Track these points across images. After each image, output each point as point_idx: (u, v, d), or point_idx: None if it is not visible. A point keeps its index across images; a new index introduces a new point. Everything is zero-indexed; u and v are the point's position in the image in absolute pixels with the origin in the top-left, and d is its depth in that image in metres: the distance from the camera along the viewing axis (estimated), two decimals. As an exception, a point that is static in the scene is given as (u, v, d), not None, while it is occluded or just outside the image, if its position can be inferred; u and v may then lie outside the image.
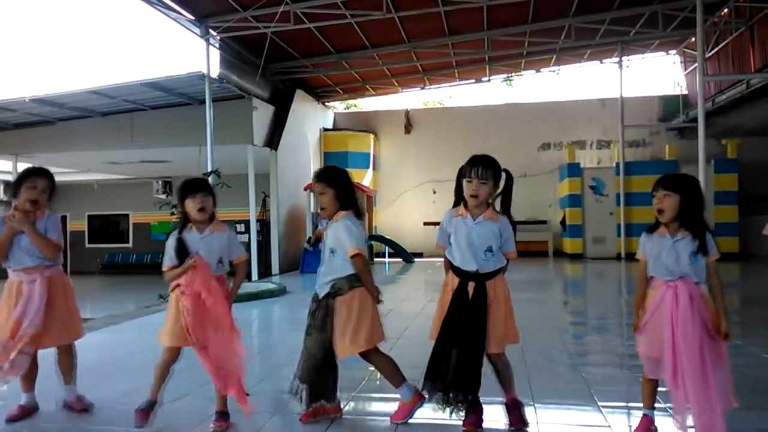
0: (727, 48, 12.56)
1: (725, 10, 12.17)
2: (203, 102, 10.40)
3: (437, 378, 2.92)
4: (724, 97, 11.83)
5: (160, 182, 17.76)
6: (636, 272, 2.99)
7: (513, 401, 3.07)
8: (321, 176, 3.20)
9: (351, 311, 3.04)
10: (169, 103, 11.82)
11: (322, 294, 3.10)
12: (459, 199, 3.08)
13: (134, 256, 18.97)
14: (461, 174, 3.04)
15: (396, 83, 16.46)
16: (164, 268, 3.14)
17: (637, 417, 2.98)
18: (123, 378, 4.25)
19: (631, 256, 13.64)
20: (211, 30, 10.46)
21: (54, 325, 3.28)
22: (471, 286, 2.95)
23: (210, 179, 10.19)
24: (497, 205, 3.09)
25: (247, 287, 9.60)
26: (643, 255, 2.87)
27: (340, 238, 3.08)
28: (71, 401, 3.42)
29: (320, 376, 3.07)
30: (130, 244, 19.15)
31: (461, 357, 2.89)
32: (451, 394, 2.88)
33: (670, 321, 2.68)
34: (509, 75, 17.92)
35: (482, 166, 2.96)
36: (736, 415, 3.15)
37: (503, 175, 3.04)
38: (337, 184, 3.14)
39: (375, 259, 15.37)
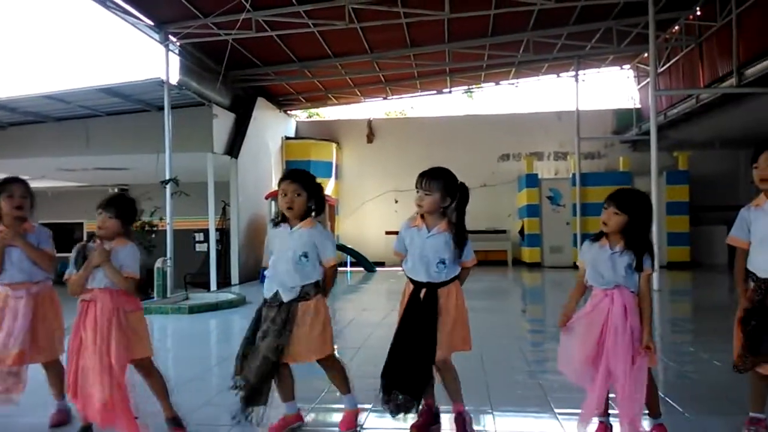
0: (678, 64, 13.02)
1: (676, 28, 12.62)
2: (162, 109, 10.23)
3: (387, 381, 2.93)
4: (675, 111, 12.24)
5: (116, 190, 17.35)
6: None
7: (458, 414, 3.08)
8: (297, 176, 3.16)
9: (318, 315, 3.07)
10: (126, 109, 11.57)
11: (287, 298, 3.05)
12: None
13: (88, 265, 18.42)
14: None
15: (358, 93, 16.50)
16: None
17: (592, 424, 3.04)
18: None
19: (587, 265, 13.94)
20: (170, 36, 10.31)
21: (40, 341, 3.25)
22: (423, 293, 2.99)
23: (168, 187, 10.04)
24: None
25: (206, 297, 9.46)
26: (583, 261, 2.99)
27: (321, 245, 3.12)
28: (61, 414, 3.37)
29: (266, 382, 3.02)
30: (84, 253, 18.58)
31: (409, 362, 2.91)
32: (393, 395, 2.88)
33: (602, 327, 2.79)
34: (470, 87, 18.18)
35: (426, 178, 3.03)
36: (683, 421, 3.25)
37: (459, 187, 3.07)
38: (313, 189, 3.15)
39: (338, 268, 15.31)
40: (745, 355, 2.85)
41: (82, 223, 18.59)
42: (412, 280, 3.06)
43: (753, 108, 10.26)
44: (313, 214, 3.18)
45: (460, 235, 3.03)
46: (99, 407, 2.87)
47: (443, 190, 3.02)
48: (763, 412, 2.92)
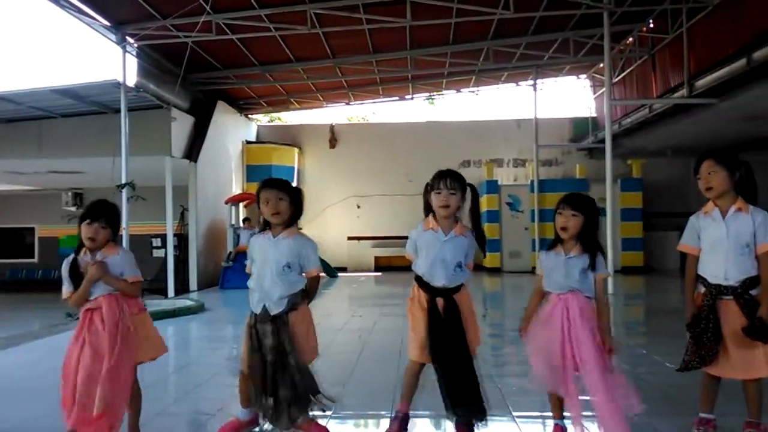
0: (632, 74, 13.41)
1: (630, 39, 13.00)
2: (118, 111, 10.01)
3: (453, 400, 2.90)
4: (630, 120, 12.59)
5: (69, 194, 16.84)
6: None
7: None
8: (275, 183, 3.08)
9: (308, 324, 3.05)
10: (81, 111, 11.27)
11: (277, 311, 2.94)
12: (428, 213, 3.12)
13: (40, 271, 17.77)
14: (428, 189, 3.10)
15: (321, 98, 16.46)
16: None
17: (550, 427, 3.09)
18: (28, 402, 3.99)
19: (545, 270, 14.21)
20: (128, 37, 10.10)
21: None
22: (440, 302, 2.97)
23: (124, 191, 9.81)
24: (464, 219, 3.14)
25: (163, 304, 9.26)
26: (541, 270, 3.05)
27: (305, 255, 3.03)
28: None
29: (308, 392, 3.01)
30: (36, 260, 17.96)
31: (461, 372, 2.90)
32: (461, 409, 2.89)
33: (561, 331, 2.83)
34: (431, 94, 18.34)
35: (449, 178, 3.05)
36: (633, 422, 3.33)
37: (468, 189, 3.10)
38: (296, 197, 3.08)
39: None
40: (693, 359, 2.95)
41: (33, 228, 18.00)
42: (426, 287, 3.02)
43: (703, 118, 10.63)
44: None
45: (482, 235, 3.09)
46: (96, 417, 2.75)
47: (462, 190, 3.06)
48: (712, 413, 3.02)
